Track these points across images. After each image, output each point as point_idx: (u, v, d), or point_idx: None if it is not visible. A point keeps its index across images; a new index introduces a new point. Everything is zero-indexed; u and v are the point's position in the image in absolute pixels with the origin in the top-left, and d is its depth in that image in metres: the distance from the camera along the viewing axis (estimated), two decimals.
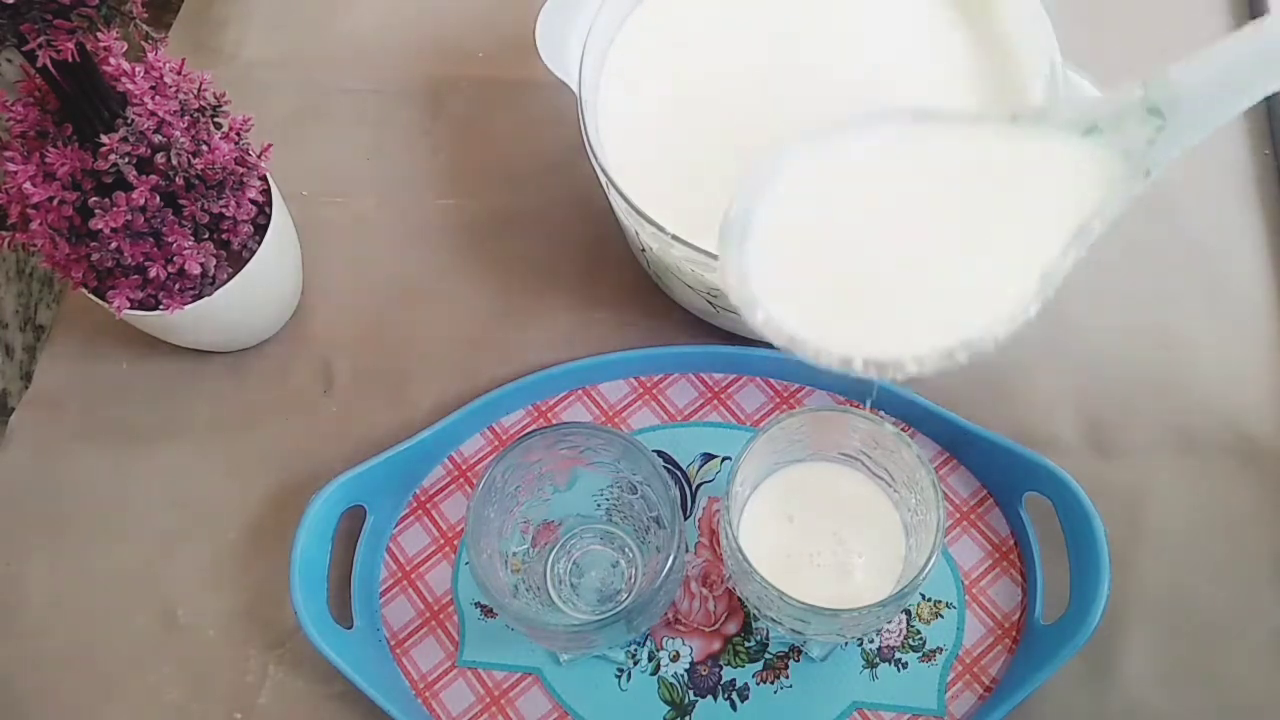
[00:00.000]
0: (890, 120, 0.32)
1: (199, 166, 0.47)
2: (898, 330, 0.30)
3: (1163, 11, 0.63)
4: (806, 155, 0.31)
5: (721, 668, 0.48)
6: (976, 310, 0.29)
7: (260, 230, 0.51)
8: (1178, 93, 0.29)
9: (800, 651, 0.48)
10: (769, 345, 0.53)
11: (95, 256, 0.46)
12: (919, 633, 0.48)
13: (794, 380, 0.53)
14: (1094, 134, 0.30)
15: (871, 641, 0.48)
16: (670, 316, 0.56)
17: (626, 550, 0.49)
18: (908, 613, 0.48)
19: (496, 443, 0.53)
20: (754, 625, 0.49)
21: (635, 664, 0.48)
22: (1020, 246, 0.30)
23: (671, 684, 0.48)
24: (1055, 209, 0.30)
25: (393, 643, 0.49)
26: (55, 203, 0.44)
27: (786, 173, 0.31)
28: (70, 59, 0.39)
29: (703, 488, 0.52)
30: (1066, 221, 0.30)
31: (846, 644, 0.48)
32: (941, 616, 0.48)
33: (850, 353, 0.29)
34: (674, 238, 0.45)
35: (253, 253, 0.51)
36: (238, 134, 0.49)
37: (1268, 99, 0.60)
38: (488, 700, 0.48)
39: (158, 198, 0.46)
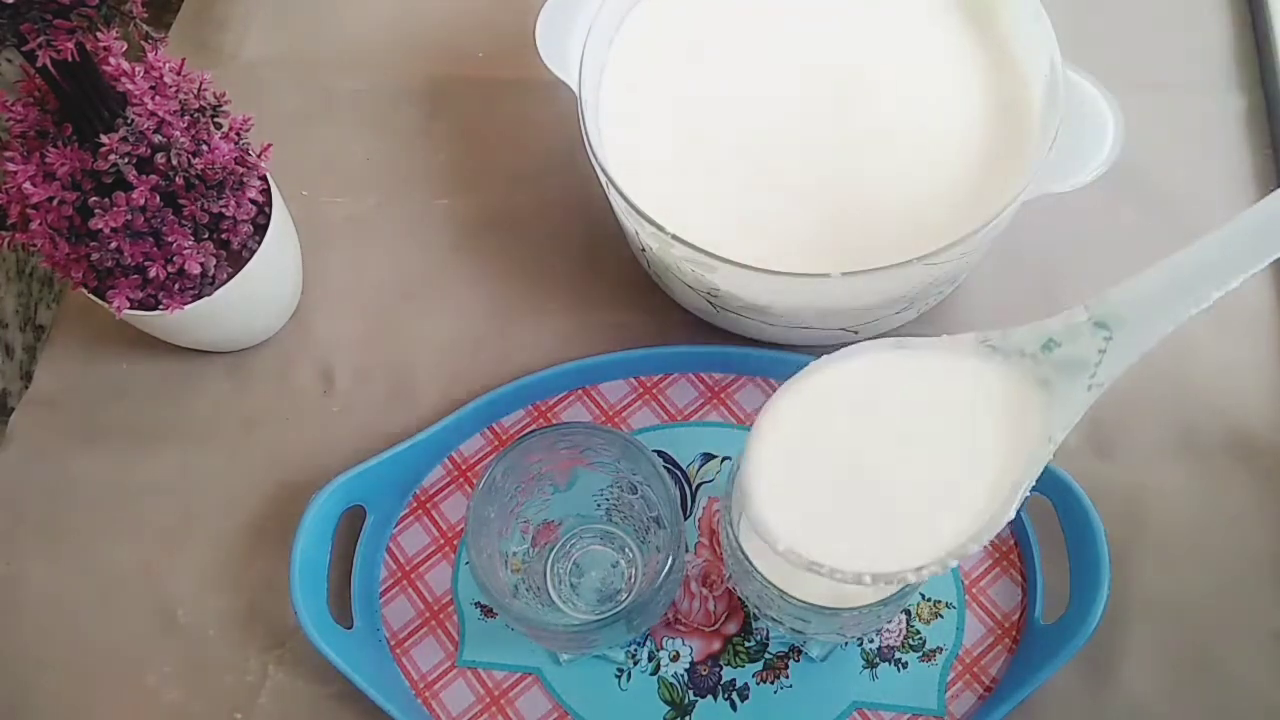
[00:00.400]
0: (870, 351, 0.35)
1: (199, 166, 0.47)
2: (897, 545, 0.33)
3: (1163, 11, 0.63)
4: (795, 391, 0.35)
5: (721, 668, 0.48)
6: (963, 521, 0.33)
7: (260, 230, 0.51)
8: (1119, 310, 0.33)
9: (800, 651, 0.48)
10: (769, 345, 0.53)
11: (95, 256, 0.46)
12: (919, 633, 0.48)
13: None
14: (1051, 348, 0.34)
15: (871, 641, 0.48)
16: (670, 316, 0.56)
17: (626, 550, 0.49)
18: (908, 613, 0.48)
19: (496, 443, 0.53)
20: (754, 625, 0.49)
21: (635, 664, 0.48)
22: (994, 463, 0.34)
23: (671, 684, 0.48)
24: (1023, 425, 0.34)
25: (393, 643, 0.49)
26: (55, 203, 0.44)
27: (780, 407, 0.35)
28: (70, 59, 0.39)
29: (703, 488, 0.52)
30: (1032, 434, 0.34)
31: (846, 644, 0.48)
32: (941, 616, 0.48)
33: (860, 569, 0.33)
34: (674, 238, 0.45)
35: (253, 253, 0.51)
36: (238, 134, 0.49)
37: (1266, 100, 0.60)
38: (488, 700, 0.48)
39: (158, 198, 0.46)
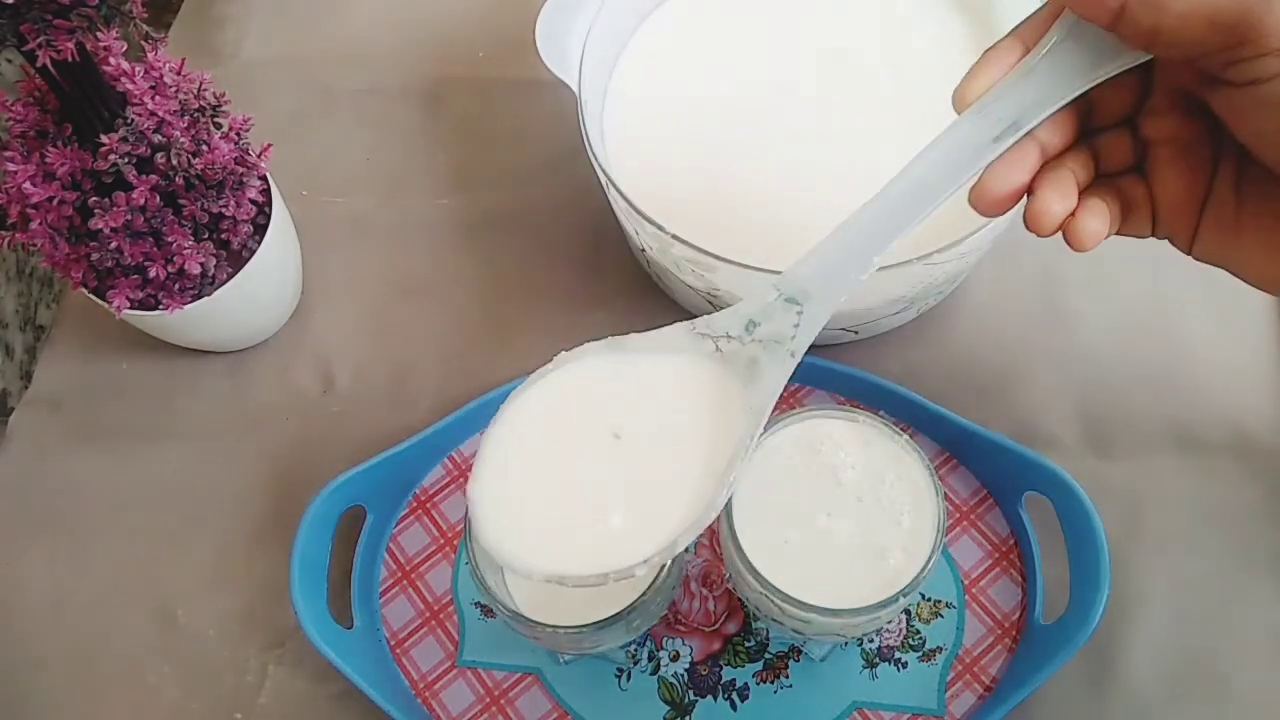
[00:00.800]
0: (581, 357, 0.38)
1: (199, 166, 0.47)
2: (624, 541, 0.35)
3: None
4: (525, 397, 0.37)
5: (721, 668, 0.48)
6: (683, 507, 0.35)
7: (260, 230, 0.51)
8: (804, 285, 0.36)
9: (800, 651, 0.48)
10: None
11: (95, 256, 0.46)
12: (919, 632, 0.48)
13: (794, 380, 0.53)
14: (752, 327, 0.36)
15: (871, 641, 0.48)
16: (670, 316, 0.56)
17: None
18: (908, 612, 0.48)
19: None
20: (754, 625, 0.49)
21: (635, 664, 0.48)
22: (707, 447, 0.36)
23: (671, 684, 0.48)
24: (731, 406, 0.36)
25: (393, 643, 0.49)
26: (55, 203, 0.44)
27: (507, 415, 0.37)
28: (70, 59, 0.39)
29: None
30: (740, 411, 0.36)
31: (846, 644, 0.48)
32: (941, 616, 0.48)
33: (592, 570, 0.35)
34: (674, 237, 0.45)
35: (253, 253, 0.51)
36: (238, 134, 0.49)
37: None
38: (488, 700, 0.48)
39: (158, 198, 0.46)
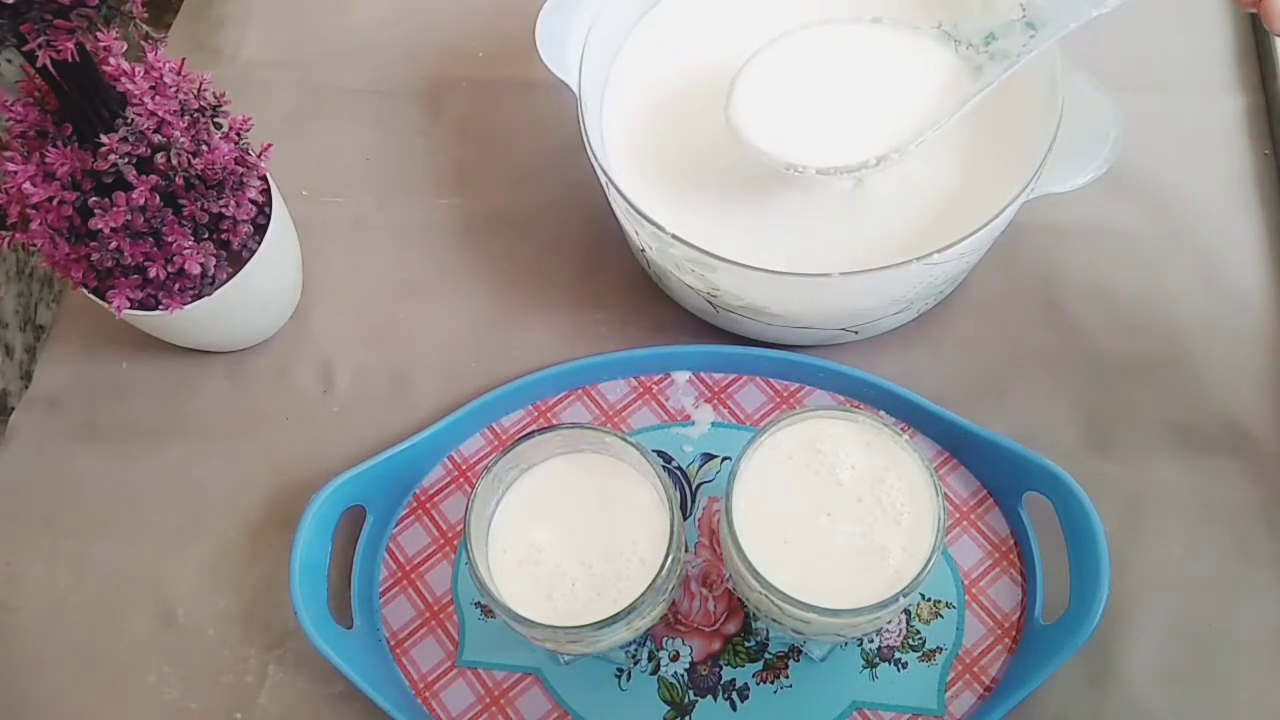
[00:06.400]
0: (850, 23, 0.49)
1: (199, 166, 0.47)
2: (835, 152, 0.48)
3: (1162, 12, 0.63)
4: (784, 44, 0.49)
5: (721, 668, 0.48)
6: (903, 126, 0.48)
7: (260, 230, 0.51)
8: (1044, 14, 0.44)
9: (800, 651, 0.48)
10: (769, 345, 0.53)
11: (95, 256, 0.46)
12: (919, 633, 0.48)
13: (794, 380, 0.53)
14: (991, 40, 0.46)
15: (871, 641, 0.48)
16: (670, 316, 0.56)
17: None
18: (908, 613, 0.48)
19: (496, 442, 0.53)
20: (754, 625, 0.49)
21: (635, 664, 0.48)
22: (919, 109, 0.48)
23: (671, 684, 0.48)
24: (946, 92, 0.48)
25: (393, 643, 0.49)
26: (55, 203, 0.44)
27: (779, 48, 0.49)
28: (70, 59, 0.39)
29: (703, 488, 0.52)
30: (956, 96, 0.48)
31: (846, 644, 0.48)
32: (941, 616, 0.48)
33: (803, 161, 0.47)
34: (674, 237, 0.45)
35: (253, 253, 0.51)
36: (238, 134, 0.49)
37: (1266, 100, 0.60)
38: (488, 700, 0.48)
39: (158, 198, 0.46)
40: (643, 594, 0.40)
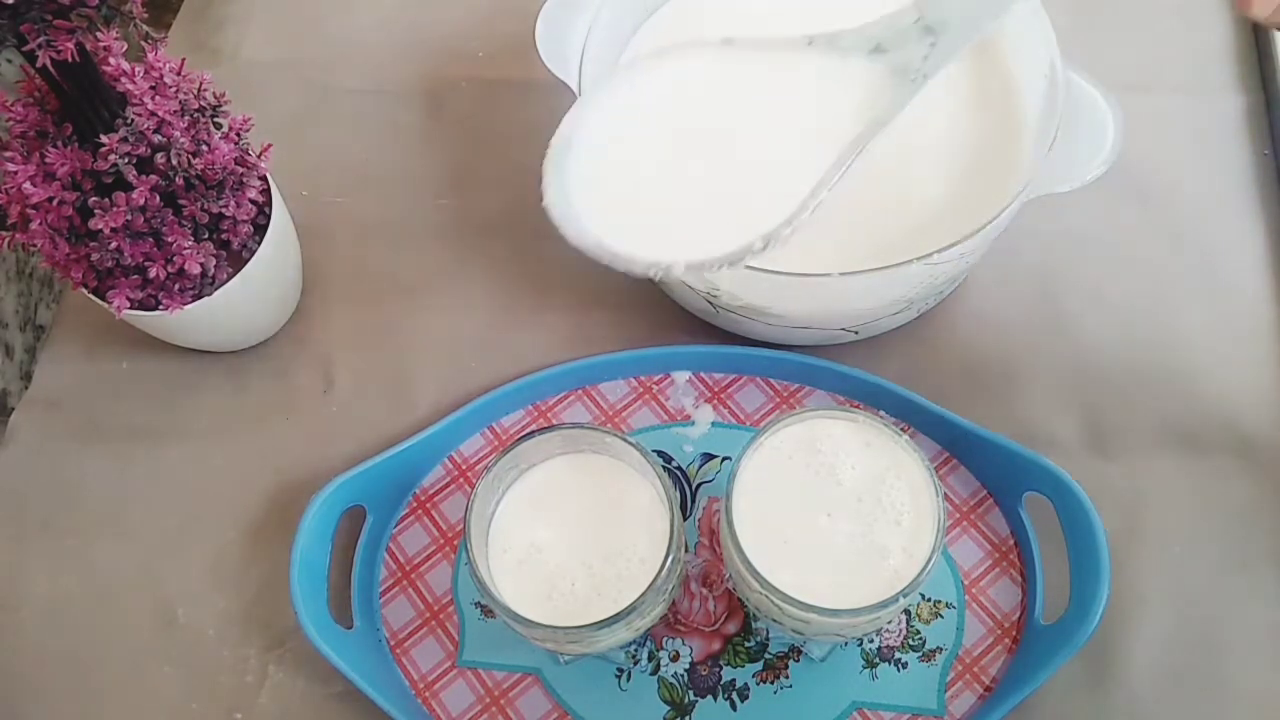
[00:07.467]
0: (699, 50, 0.37)
1: (199, 166, 0.47)
2: (706, 236, 0.34)
3: (1162, 12, 0.63)
4: (624, 85, 0.36)
5: (721, 668, 0.48)
6: (774, 207, 0.35)
7: (260, 230, 0.51)
8: (945, 14, 0.34)
9: (800, 651, 0.48)
10: (769, 345, 0.53)
11: (95, 256, 0.46)
12: (919, 633, 0.48)
13: (794, 380, 0.53)
14: (878, 53, 0.34)
15: (871, 641, 0.48)
16: (670, 316, 0.56)
17: None
18: (908, 613, 0.48)
19: (496, 443, 0.53)
20: (754, 625, 0.49)
21: (635, 664, 0.48)
22: (809, 150, 0.35)
23: (671, 684, 0.48)
24: (839, 118, 0.35)
25: (393, 643, 0.49)
26: (55, 203, 0.44)
27: (605, 102, 0.36)
28: (70, 59, 0.39)
29: (703, 488, 0.52)
30: (847, 129, 0.35)
31: (846, 644, 0.48)
32: (941, 616, 0.48)
33: (666, 259, 0.34)
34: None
35: (253, 253, 0.51)
36: (238, 134, 0.49)
37: (1266, 100, 0.60)
38: (488, 700, 0.48)
39: (158, 198, 0.46)
40: (643, 594, 0.40)
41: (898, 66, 0.34)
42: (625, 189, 0.36)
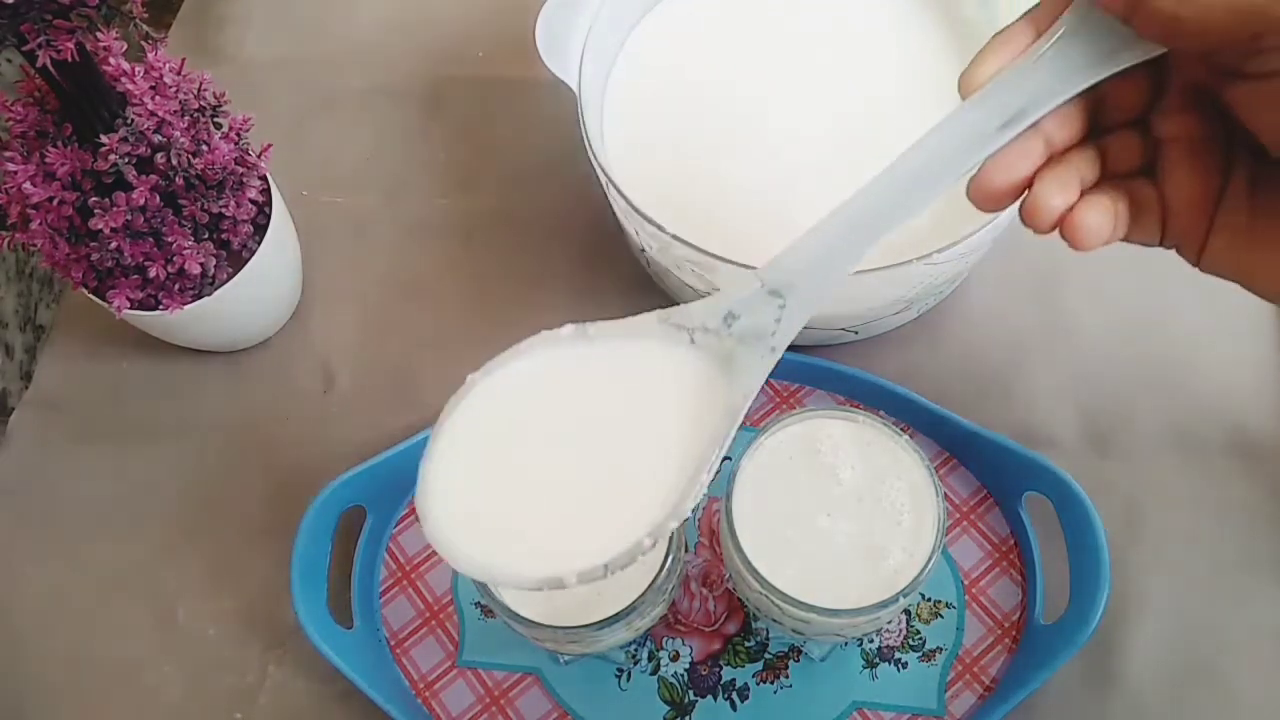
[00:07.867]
0: (546, 345, 0.35)
1: (199, 166, 0.47)
2: (587, 540, 0.32)
3: None
4: (480, 388, 0.35)
5: (721, 668, 0.48)
6: (654, 505, 0.32)
7: (260, 230, 0.51)
8: (789, 277, 0.33)
9: (800, 651, 0.48)
10: None
11: (95, 256, 0.46)
12: (919, 633, 0.48)
13: (794, 380, 0.53)
14: (731, 320, 0.33)
15: (871, 641, 0.48)
16: None
17: None
18: (908, 613, 0.48)
19: None
20: (754, 625, 0.49)
21: (635, 664, 0.48)
22: (679, 443, 0.33)
23: (671, 684, 0.48)
24: (707, 401, 0.33)
25: (393, 643, 0.49)
26: (55, 203, 0.45)
27: (451, 421, 0.35)
28: (70, 59, 0.39)
29: None
30: (716, 408, 0.33)
31: (846, 644, 0.48)
32: (941, 616, 0.48)
33: (556, 572, 0.31)
34: (674, 237, 0.45)
35: (253, 253, 0.51)
36: (238, 134, 0.49)
37: None
38: (488, 700, 0.48)
39: (158, 198, 0.46)
40: (643, 594, 0.40)
41: (749, 333, 0.33)
42: (498, 504, 0.34)
